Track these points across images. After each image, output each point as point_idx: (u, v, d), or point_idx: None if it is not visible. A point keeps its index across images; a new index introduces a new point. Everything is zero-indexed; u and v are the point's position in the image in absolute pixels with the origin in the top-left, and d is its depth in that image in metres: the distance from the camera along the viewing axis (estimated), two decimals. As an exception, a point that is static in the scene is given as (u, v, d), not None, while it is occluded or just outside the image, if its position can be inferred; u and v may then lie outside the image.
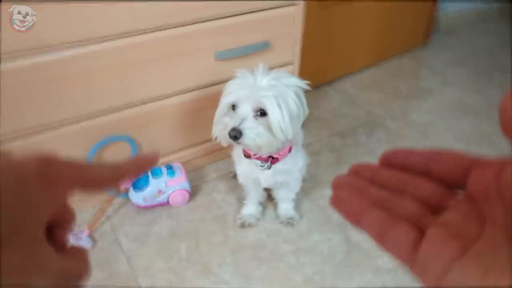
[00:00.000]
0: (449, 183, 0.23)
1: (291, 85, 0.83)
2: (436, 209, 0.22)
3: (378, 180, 0.25)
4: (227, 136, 0.80)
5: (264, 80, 0.81)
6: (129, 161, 0.26)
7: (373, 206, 0.23)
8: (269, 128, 0.81)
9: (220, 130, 0.83)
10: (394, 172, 0.25)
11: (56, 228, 0.24)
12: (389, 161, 0.26)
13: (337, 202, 0.25)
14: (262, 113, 0.81)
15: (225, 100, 0.83)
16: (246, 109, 0.81)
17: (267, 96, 0.79)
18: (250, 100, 0.80)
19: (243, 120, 0.79)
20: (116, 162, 0.25)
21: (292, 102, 0.82)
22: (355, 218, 0.24)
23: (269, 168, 0.92)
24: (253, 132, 0.79)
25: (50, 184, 0.21)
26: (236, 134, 0.79)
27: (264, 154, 0.89)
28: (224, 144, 0.86)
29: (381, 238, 0.22)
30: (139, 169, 0.26)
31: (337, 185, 0.26)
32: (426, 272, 0.20)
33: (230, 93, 0.83)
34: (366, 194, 0.24)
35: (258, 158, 0.91)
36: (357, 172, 0.26)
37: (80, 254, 0.25)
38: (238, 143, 0.81)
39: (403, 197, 0.23)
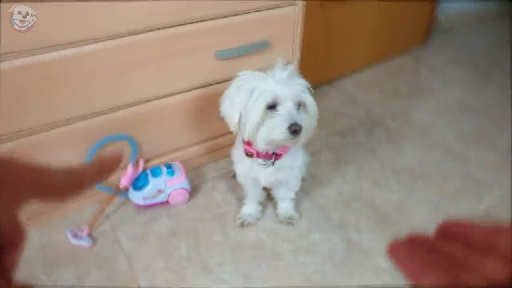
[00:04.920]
0: None
1: (304, 81, 0.87)
2: None
3: (439, 251, 0.24)
4: (283, 133, 0.80)
5: (284, 74, 0.83)
6: (91, 164, 0.22)
7: (436, 269, 0.22)
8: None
9: (270, 130, 0.81)
10: (457, 245, 0.24)
11: (1, 253, 0.19)
12: (448, 233, 0.25)
13: (398, 259, 0.24)
14: (298, 107, 0.84)
15: (264, 102, 0.81)
16: (290, 105, 0.82)
17: (304, 91, 0.83)
18: (290, 95, 0.81)
19: (295, 114, 0.81)
20: (77, 166, 0.21)
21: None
22: (415, 276, 0.23)
23: (273, 164, 0.92)
24: (307, 123, 0.82)
25: None
26: (299, 128, 0.80)
27: (273, 149, 0.90)
28: (283, 143, 0.84)
29: None
30: (103, 173, 0.22)
31: (395, 249, 0.25)
32: None
33: (265, 93, 0.81)
34: (428, 257, 0.23)
35: (263, 156, 0.91)
36: (414, 240, 0.25)
37: None
38: (295, 138, 0.81)
39: (467, 271, 0.22)
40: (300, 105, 0.84)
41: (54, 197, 0.20)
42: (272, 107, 0.82)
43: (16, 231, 0.20)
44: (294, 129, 0.80)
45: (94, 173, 0.22)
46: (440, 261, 0.23)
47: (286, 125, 0.80)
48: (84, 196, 1.14)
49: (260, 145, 0.84)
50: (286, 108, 0.81)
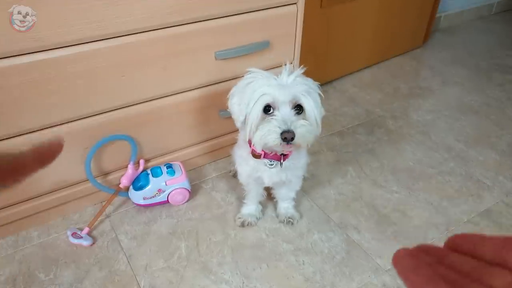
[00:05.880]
0: None
1: (311, 84, 0.85)
2: None
3: (447, 263, 0.23)
4: (276, 139, 0.79)
5: (290, 78, 0.82)
6: (33, 152, 0.23)
7: (442, 281, 0.22)
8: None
9: (264, 135, 0.80)
10: (465, 258, 0.23)
11: None
12: (457, 246, 0.24)
13: (402, 269, 0.23)
14: (298, 111, 0.82)
15: (261, 105, 0.80)
16: (287, 109, 0.81)
17: (304, 94, 0.81)
18: (288, 99, 0.80)
19: (290, 120, 0.79)
20: (19, 153, 0.22)
21: (317, 98, 0.84)
22: None
23: (281, 165, 0.92)
24: (303, 130, 0.80)
25: None
26: (291, 136, 0.78)
27: (284, 151, 0.89)
28: (277, 148, 0.83)
29: None
30: (44, 160, 0.23)
31: (401, 257, 0.24)
32: None
33: (264, 95, 0.80)
34: (435, 270, 0.23)
35: (271, 157, 0.90)
36: (421, 250, 0.25)
37: None
38: (290, 144, 0.80)
39: (475, 284, 0.22)
40: (302, 109, 0.82)
41: None
42: (269, 110, 0.81)
43: None
44: (285, 137, 0.78)
45: (35, 160, 0.22)
46: (447, 273, 0.23)
47: (279, 131, 0.79)
48: (84, 196, 1.14)
49: (257, 147, 0.84)
50: (282, 113, 0.80)
